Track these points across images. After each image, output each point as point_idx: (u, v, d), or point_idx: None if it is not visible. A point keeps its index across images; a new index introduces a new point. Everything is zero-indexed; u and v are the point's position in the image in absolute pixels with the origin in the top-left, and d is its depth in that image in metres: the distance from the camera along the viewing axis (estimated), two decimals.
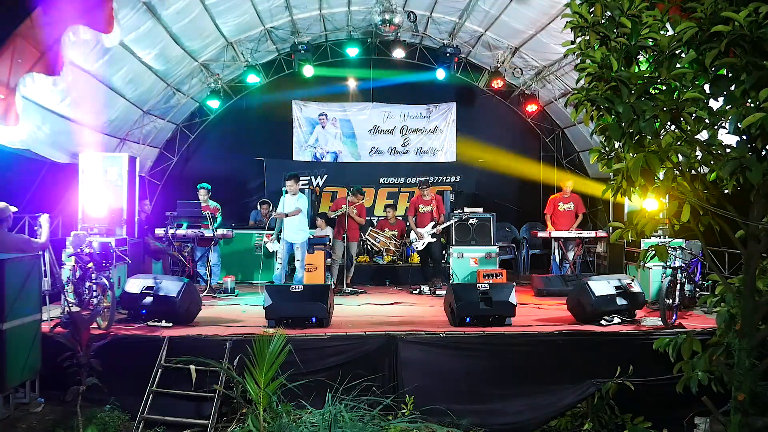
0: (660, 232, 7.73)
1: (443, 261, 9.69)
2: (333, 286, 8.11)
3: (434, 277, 9.39)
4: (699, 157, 3.62)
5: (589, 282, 6.80)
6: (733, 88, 3.41)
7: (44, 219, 5.78)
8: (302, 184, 9.42)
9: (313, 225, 10.08)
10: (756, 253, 3.70)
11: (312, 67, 10.96)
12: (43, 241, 5.63)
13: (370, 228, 11.13)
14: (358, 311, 7.76)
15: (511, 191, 12.45)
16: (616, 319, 6.70)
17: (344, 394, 5.30)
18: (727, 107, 3.42)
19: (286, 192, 8.65)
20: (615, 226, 6.10)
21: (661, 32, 3.63)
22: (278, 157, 12.05)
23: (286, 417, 5.15)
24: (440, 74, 11.09)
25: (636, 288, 6.90)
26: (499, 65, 11.10)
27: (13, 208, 5.60)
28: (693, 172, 3.70)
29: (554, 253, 9.73)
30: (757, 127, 3.13)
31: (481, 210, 9.67)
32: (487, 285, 6.78)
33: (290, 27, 10.84)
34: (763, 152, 3.44)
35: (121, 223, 7.93)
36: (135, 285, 6.63)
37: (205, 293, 8.44)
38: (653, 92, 3.54)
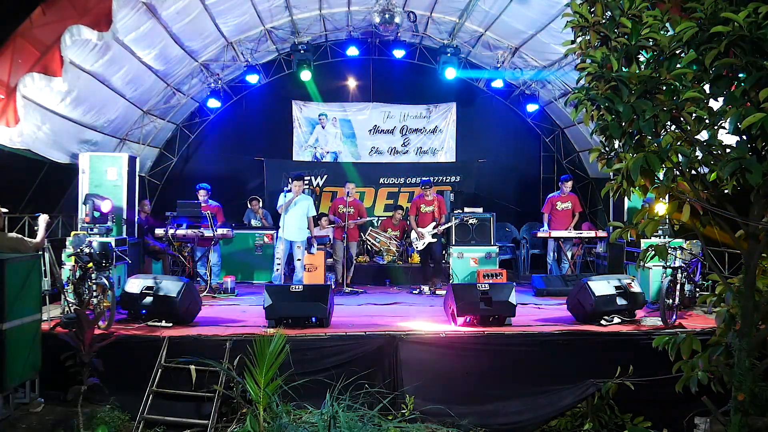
0: (660, 232, 7.73)
1: (443, 261, 9.69)
2: (333, 286, 8.12)
3: (434, 277, 9.40)
4: (699, 157, 3.62)
5: (589, 282, 6.80)
6: (733, 88, 3.41)
7: (42, 219, 5.78)
8: (303, 185, 9.44)
9: (316, 224, 10.10)
10: (756, 253, 3.70)
11: (309, 71, 10.89)
12: (38, 241, 5.62)
13: (370, 228, 11.13)
14: (358, 311, 7.76)
15: (511, 191, 12.45)
16: (616, 319, 6.71)
17: (344, 394, 5.30)
18: (727, 107, 3.42)
19: (289, 191, 8.70)
20: (615, 226, 6.10)
21: (661, 32, 3.63)
22: (278, 157, 12.05)
23: (285, 417, 5.15)
24: (450, 73, 10.98)
25: (636, 288, 6.90)
26: (499, 65, 11.10)
27: (3, 209, 5.60)
28: (693, 172, 3.70)
29: (549, 254, 9.75)
30: (757, 128, 3.13)
31: (481, 210, 9.68)
32: (487, 285, 6.78)
33: (290, 27, 10.84)
34: (763, 153, 3.45)
35: (121, 223, 7.93)
36: (135, 285, 6.63)
37: (205, 293, 8.45)
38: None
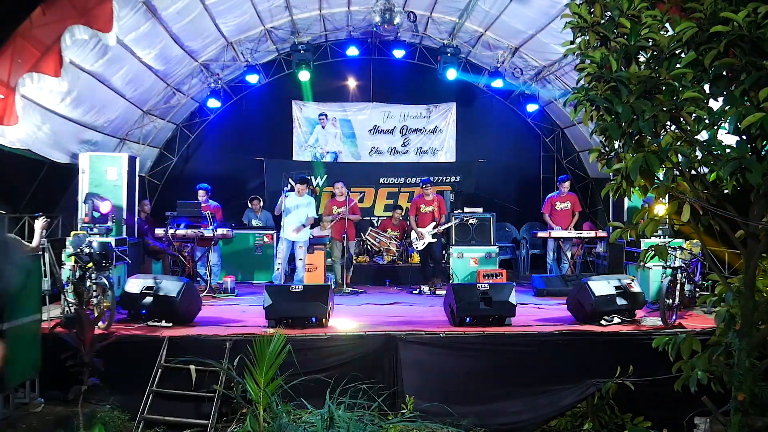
0: (660, 232, 7.72)
1: (443, 261, 9.69)
2: (333, 286, 8.12)
3: (434, 277, 9.40)
4: (699, 157, 3.62)
5: (589, 282, 6.80)
6: (732, 88, 3.41)
7: (38, 224, 5.77)
8: (307, 188, 9.45)
9: (317, 224, 10.11)
10: (756, 253, 3.70)
11: (308, 72, 10.89)
12: (33, 246, 5.62)
13: (370, 228, 11.13)
14: (358, 311, 7.76)
15: (511, 191, 12.45)
16: (616, 319, 6.70)
17: (344, 394, 5.30)
18: (727, 107, 3.42)
19: (291, 190, 8.71)
20: (615, 226, 6.09)
21: (661, 32, 3.63)
22: (278, 157, 12.05)
23: (285, 417, 5.15)
24: (451, 74, 10.95)
25: (636, 288, 6.90)
26: (499, 65, 11.10)
27: (1, 211, 5.61)
28: (693, 172, 3.70)
29: (549, 254, 9.75)
30: (756, 127, 3.13)
31: (481, 210, 9.68)
32: (487, 285, 6.78)
33: (290, 27, 10.84)
34: (763, 152, 3.45)
35: (121, 223, 7.93)
36: (135, 285, 6.63)
37: (205, 293, 8.45)
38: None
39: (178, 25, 8.54)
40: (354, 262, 9.98)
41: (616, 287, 6.81)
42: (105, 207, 7.28)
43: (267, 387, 5.08)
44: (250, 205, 10.78)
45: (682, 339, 3.99)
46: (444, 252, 9.71)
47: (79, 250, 6.38)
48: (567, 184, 9.78)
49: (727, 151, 3.43)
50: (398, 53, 11.23)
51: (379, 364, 6.00)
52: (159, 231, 8.79)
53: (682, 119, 3.59)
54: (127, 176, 8.09)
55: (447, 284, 8.32)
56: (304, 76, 10.94)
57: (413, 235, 9.46)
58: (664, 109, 3.42)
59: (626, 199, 8.41)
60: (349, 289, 9.24)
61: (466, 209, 9.68)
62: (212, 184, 9.69)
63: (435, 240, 9.28)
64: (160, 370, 5.73)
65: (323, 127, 12.22)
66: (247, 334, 6.00)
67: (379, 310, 7.84)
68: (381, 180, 12.13)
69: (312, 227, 9.17)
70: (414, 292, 9.34)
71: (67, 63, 6.67)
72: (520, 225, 11.97)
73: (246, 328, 6.42)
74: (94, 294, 6.35)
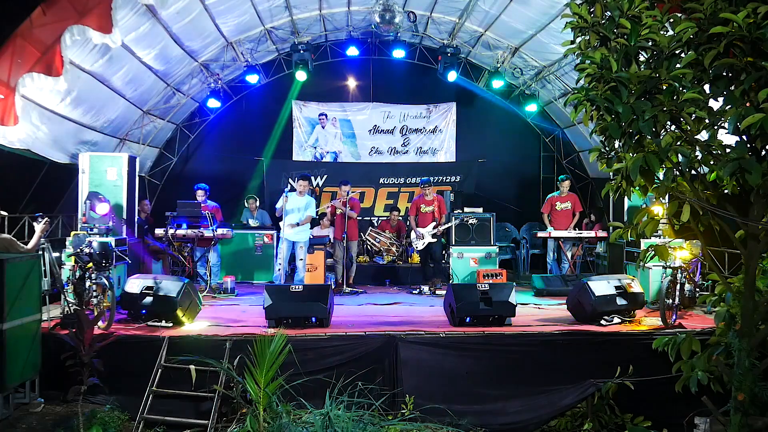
0: (660, 232, 7.73)
1: (443, 261, 9.69)
2: (333, 286, 8.12)
3: (434, 277, 9.40)
4: (699, 157, 3.62)
5: (589, 282, 6.80)
6: (732, 88, 3.41)
7: (39, 226, 5.76)
8: (309, 185, 9.44)
9: (317, 224, 10.10)
10: (756, 253, 3.71)
11: (305, 72, 10.87)
12: (29, 247, 5.61)
13: (370, 228, 11.13)
14: (358, 311, 7.76)
15: (511, 191, 12.45)
16: (616, 319, 6.71)
17: (344, 394, 5.30)
18: (727, 107, 3.42)
19: (291, 190, 8.69)
20: (615, 226, 6.10)
21: (661, 32, 3.63)
22: (278, 157, 12.06)
23: (286, 417, 5.15)
24: (452, 76, 10.98)
25: (636, 288, 6.90)
26: (499, 65, 11.10)
27: (2, 212, 5.62)
28: (693, 172, 3.70)
29: (549, 254, 9.76)
30: (756, 128, 3.13)
31: (481, 210, 9.68)
32: (487, 285, 6.78)
33: (290, 27, 10.84)
34: (763, 153, 3.45)
35: (121, 223, 7.93)
36: (135, 285, 6.63)
37: (205, 293, 8.45)
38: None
39: (178, 25, 8.53)
40: (354, 261, 9.97)
41: (616, 287, 6.81)
42: (102, 209, 7.25)
43: (267, 387, 5.08)
44: (246, 204, 10.78)
45: (682, 339, 3.99)
46: (444, 252, 9.71)
47: (79, 250, 6.38)
48: (566, 183, 9.78)
49: (727, 151, 3.43)
50: (398, 53, 11.23)
51: (379, 364, 6.00)
52: (159, 231, 8.80)
53: (682, 119, 3.60)
54: (127, 176, 8.08)
55: (447, 284, 8.31)
56: (301, 76, 10.93)
57: (413, 235, 9.46)
58: (664, 109, 3.42)
59: (626, 199, 8.42)
60: (349, 289, 9.24)
61: (466, 209, 9.68)
62: (212, 184, 9.69)
63: (435, 240, 9.28)
64: (160, 370, 5.73)
65: (323, 127, 12.22)
66: (247, 334, 6.01)
67: (379, 310, 7.84)
68: (381, 180, 12.14)
69: (312, 227, 9.16)
70: (414, 292, 9.34)
71: (67, 63, 6.67)
72: (520, 225, 11.96)
73: (246, 328, 6.42)
74: (94, 294, 6.35)
